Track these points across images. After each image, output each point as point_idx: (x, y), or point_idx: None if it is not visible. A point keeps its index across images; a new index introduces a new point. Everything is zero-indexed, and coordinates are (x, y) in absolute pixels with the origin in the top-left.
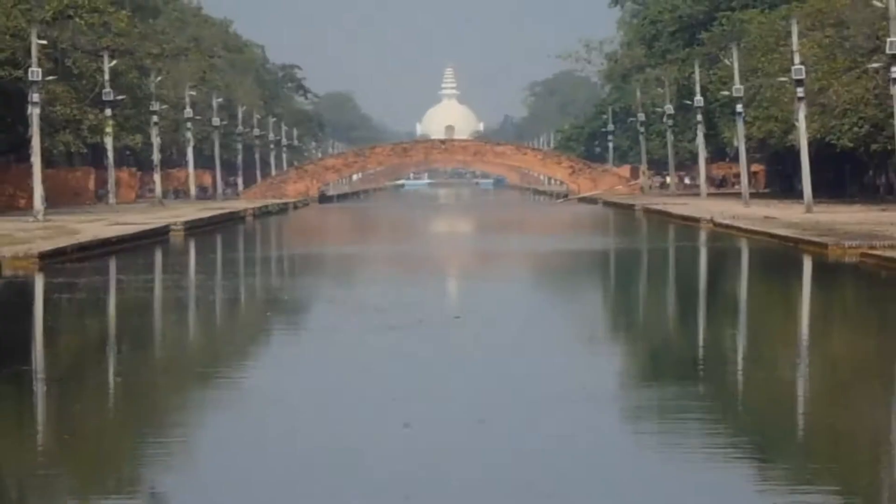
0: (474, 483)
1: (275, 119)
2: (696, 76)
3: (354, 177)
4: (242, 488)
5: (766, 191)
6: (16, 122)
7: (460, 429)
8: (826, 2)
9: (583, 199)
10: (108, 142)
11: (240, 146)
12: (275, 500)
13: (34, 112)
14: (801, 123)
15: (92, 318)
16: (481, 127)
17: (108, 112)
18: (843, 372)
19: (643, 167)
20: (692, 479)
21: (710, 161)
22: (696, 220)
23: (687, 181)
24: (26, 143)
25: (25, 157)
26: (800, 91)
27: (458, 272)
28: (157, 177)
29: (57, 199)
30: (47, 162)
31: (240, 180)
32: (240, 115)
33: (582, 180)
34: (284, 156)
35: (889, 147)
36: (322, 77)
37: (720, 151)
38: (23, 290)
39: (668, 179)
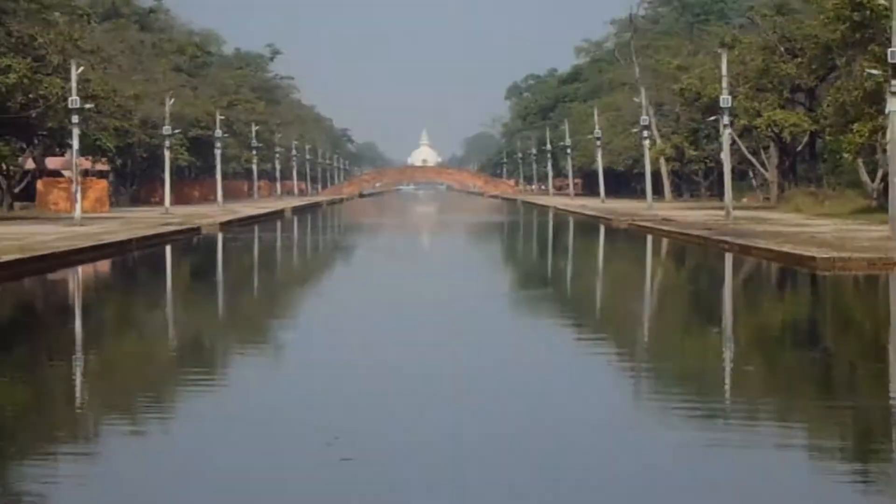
0: (434, 325)
1: (336, 155)
2: (547, 135)
3: (377, 185)
4: (316, 336)
5: (582, 193)
6: (207, 157)
7: (428, 305)
8: (612, 98)
9: (491, 196)
10: (254, 167)
11: (319, 169)
12: (335, 335)
13: (217, 153)
14: (599, 158)
15: (246, 255)
16: (440, 160)
17: (254, 152)
18: (620, 278)
19: (521, 180)
20: (545, 334)
21: (554, 177)
22: (548, 206)
23: (542, 187)
24: (213, 168)
25: (212, 175)
26: (598, 143)
27: (427, 230)
28: (278, 185)
29: (228, 196)
30: (223, 177)
31: (319, 187)
32: (319, 154)
33: (490, 187)
34: (342, 174)
35: (641, 171)
36: (361, 133)
37: (559, 172)
38: (212, 241)
39: (533, 186)
